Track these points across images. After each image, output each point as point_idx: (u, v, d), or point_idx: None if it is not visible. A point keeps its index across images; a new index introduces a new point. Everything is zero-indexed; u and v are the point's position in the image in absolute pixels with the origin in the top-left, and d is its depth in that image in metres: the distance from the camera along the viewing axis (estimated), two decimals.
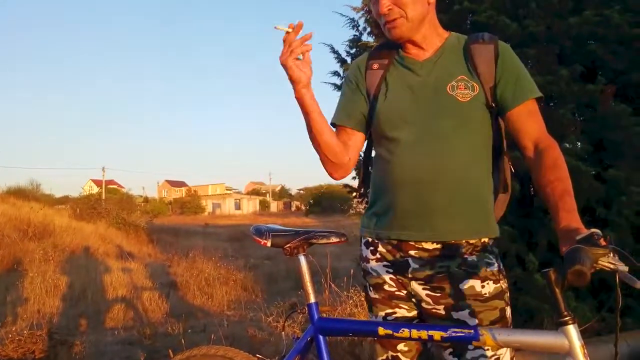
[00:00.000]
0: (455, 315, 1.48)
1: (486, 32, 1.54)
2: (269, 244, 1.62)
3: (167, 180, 75.09)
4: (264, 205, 61.07)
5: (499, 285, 1.50)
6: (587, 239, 1.11)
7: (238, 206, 58.35)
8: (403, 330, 1.35)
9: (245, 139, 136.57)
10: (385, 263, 1.58)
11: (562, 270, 1.06)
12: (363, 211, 6.58)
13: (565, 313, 1.17)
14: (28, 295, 6.12)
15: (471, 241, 1.50)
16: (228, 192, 67.84)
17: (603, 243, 1.10)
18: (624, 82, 5.21)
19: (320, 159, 1.58)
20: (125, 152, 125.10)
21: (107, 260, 9.25)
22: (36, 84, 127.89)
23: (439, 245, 1.50)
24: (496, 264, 1.51)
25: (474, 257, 1.49)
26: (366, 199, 5.89)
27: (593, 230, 1.12)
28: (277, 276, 9.34)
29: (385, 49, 1.63)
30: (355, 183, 7.00)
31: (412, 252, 1.52)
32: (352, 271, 5.39)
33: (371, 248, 1.62)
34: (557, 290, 1.14)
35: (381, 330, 1.38)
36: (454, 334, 1.29)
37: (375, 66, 1.60)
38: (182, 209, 45.83)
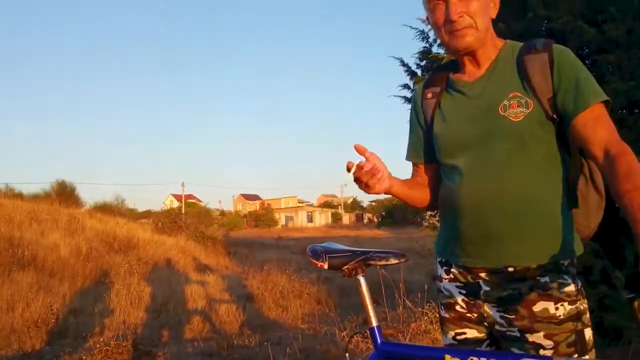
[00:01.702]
0: (530, 338, 1.43)
1: (541, 39, 1.46)
2: (325, 266, 1.60)
3: (242, 194, 77.10)
4: (336, 217, 61.28)
5: (574, 306, 1.42)
6: None
7: (310, 219, 58.90)
8: (472, 359, 1.29)
9: (318, 150, 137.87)
10: (457, 284, 1.57)
11: None
12: (437, 223, 6.48)
13: None
14: (114, 306, 6.46)
15: (542, 263, 1.43)
16: (300, 205, 68.68)
17: None
18: None
19: (413, 205, 1.67)
20: (202, 167, 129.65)
21: (187, 272, 9.60)
22: (118, 101, 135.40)
23: (510, 269, 1.45)
24: (572, 284, 1.44)
25: (546, 278, 1.43)
26: (438, 213, 5.77)
27: None
28: (350, 290, 9.32)
29: (437, 75, 1.62)
30: None
31: (482, 275, 1.50)
32: (426, 286, 5.31)
33: (445, 268, 1.61)
34: None
35: (448, 358, 1.33)
36: None
37: (429, 95, 1.61)
38: (257, 222, 46.84)
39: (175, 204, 45.41)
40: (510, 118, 1.42)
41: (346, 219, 62.26)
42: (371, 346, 1.54)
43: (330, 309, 7.35)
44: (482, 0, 1.45)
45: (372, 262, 1.56)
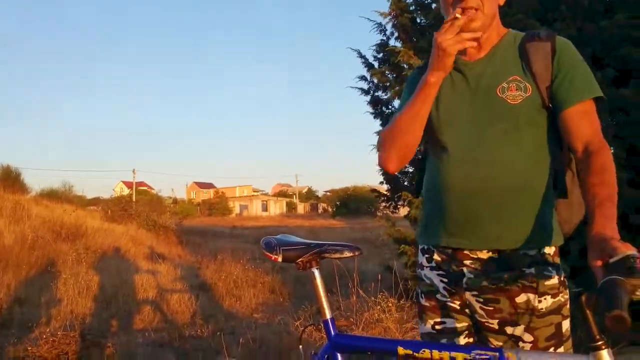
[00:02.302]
0: (509, 330, 1.43)
1: (544, 30, 1.47)
2: (279, 259, 1.58)
3: (195, 182, 75.98)
4: (291, 207, 61.26)
5: (557, 299, 1.44)
6: (620, 263, 1.00)
7: (265, 208, 58.67)
8: (424, 351, 1.30)
9: (272, 141, 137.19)
10: (440, 272, 1.55)
11: (599, 311, 0.96)
12: (390, 214, 6.51)
13: (598, 337, 1.10)
14: (61, 296, 6.27)
15: (529, 253, 1.43)
16: (255, 193, 68.30)
17: None
18: None
19: (392, 149, 1.53)
20: (154, 154, 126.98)
21: (137, 261, 9.40)
22: (67, 87, 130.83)
23: (494, 255, 1.45)
24: (556, 277, 1.44)
25: (532, 270, 1.42)
26: (394, 204, 5.85)
27: (628, 252, 1.01)
28: (305, 279, 9.33)
29: None
30: (383, 188, 7.00)
31: (467, 262, 1.48)
32: (379, 275, 5.38)
33: (427, 255, 1.60)
34: (589, 313, 1.06)
35: (401, 350, 1.33)
36: (478, 356, 1.24)
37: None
38: (210, 210, 46.30)
39: (126, 191, 44.36)
40: (508, 100, 1.42)
41: (301, 208, 62.34)
42: (325, 337, 1.54)
43: (285, 298, 7.36)
44: None
45: (327, 255, 1.56)
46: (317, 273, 1.57)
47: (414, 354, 1.31)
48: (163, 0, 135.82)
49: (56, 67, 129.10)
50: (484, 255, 1.46)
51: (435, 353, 1.29)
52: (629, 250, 1.03)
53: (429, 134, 1.55)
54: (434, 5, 6.20)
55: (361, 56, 6.55)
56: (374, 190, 6.92)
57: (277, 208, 58.90)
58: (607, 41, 4.97)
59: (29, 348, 3.95)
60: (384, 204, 6.71)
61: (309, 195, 71.53)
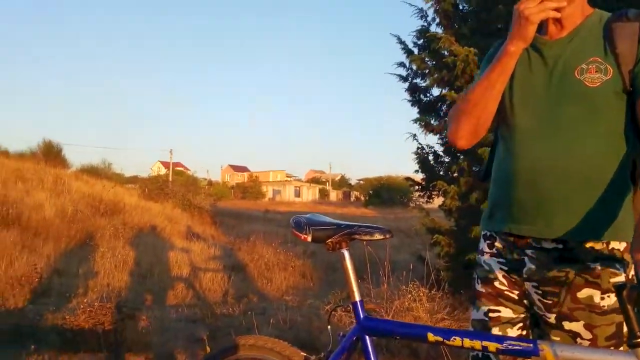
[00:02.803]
0: (567, 325, 1.37)
1: (633, 9, 1.38)
2: (309, 239, 1.56)
3: (230, 165, 76.84)
4: (324, 193, 61.36)
5: None
6: None
7: (298, 194, 58.94)
8: (455, 339, 1.26)
9: (307, 126, 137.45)
10: (500, 260, 1.50)
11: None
12: (423, 205, 6.47)
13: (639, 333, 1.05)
14: (99, 269, 6.45)
15: (596, 247, 1.35)
16: (288, 179, 68.64)
17: None
18: None
19: (466, 122, 1.48)
20: (191, 136, 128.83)
21: (172, 239, 9.59)
22: (109, 68, 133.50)
23: (559, 246, 1.38)
24: (623, 274, 1.34)
25: (597, 265, 1.34)
26: (428, 193, 5.77)
27: None
28: (337, 265, 9.35)
29: None
30: (417, 177, 6.94)
31: (529, 252, 1.43)
32: (411, 265, 5.35)
33: (488, 242, 1.54)
34: (630, 308, 1.02)
35: (430, 337, 1.30)
36: (510, 347, 1.20)
37: None
38: (244, 193, 46.76)
39: (163, 171, 45.17)
40: (586, 83, 1.35)
41: (333, 196, 62.36)
42: (354, 320, 1.53)
43: (315, 282, 7.41)
44: None
45: (357, 236, 1.53)
46: (347, 254, 1.54)
47: (445, 340, 1.28)
48: None
49: (99, 43, 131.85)
50: (549, 245, 1.40)
51: (467, 341, 1.25)
52: None
53: (501, 114, 1.49)
54: None
55: (401, 42, 6.45)
56: (408, 179, 6.84)
57: (309, 194, 59.11)
58: None
59: (67, 317, 4.07)
60: (418, 193, 6.64)
61: (342, 183, 71.46)
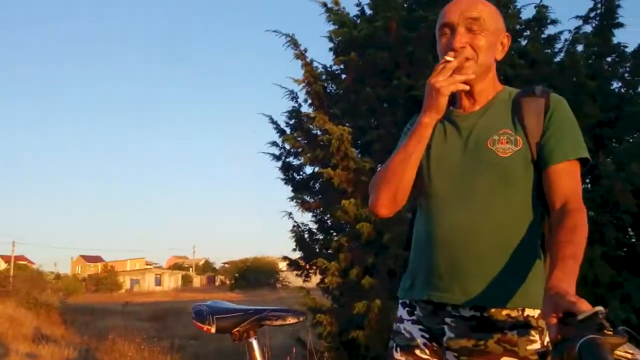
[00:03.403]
0: None
1: (540, 86, 1.50)
2: (213, 330, 1.44)
3: (81, 256, 70.95)
4: (187, 280, 58.77)
5: None
6: (590, 320, 0.96)
7: (159, 282, 55.74)
8: None
9: (168, 211, 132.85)
10: (421, 327, 1.49)
11: None
12: (289, 284, 6.40)
13: None
14: None
15: (512, 314, 1.38)
16: (148, 267, 64.94)
17: (607, 324, 0.95)
18: None
19: (384, 192, 1.51)
20: (36, 225, 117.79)
21: (16, 345, 8.33)
22: None
23: (477, 314, 1.40)
24: (539, 342, 1.38)
25: (514, 333, 1.37)
26: (306, 272, 5.65)
27: (597, 308, 0.98)
28: (206, 358, 8.76)
29: None
30: (294, 255, 6.82)
31: (448, 320, 1.43)
32: (294, 349, 5.09)
33: (408, 309, 1.54)
34: None
35: None
36: None
37: None
38: (98, 286, 43.12)
39: (3, 265, 40.37)
40: (498, 153, 1.42)
41: (197, 281, 59.96)
42: None
43: None
44: (490, 38, 1.46)
45: (267, 322, 1.43)
46: (255, 344, 1.44)
47: None
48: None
49: None
50: (467, 313, 1.41)
51: None
52: (584, 306, 1.00)
53: (419, 183, 1.53)
54: (343, 76, 6.38)
55: (273, 122, 6.53)
56: (285, 258, 6.71)
57: (172, 282, 56.20)
58: None
59: None
60: (295, 272, 6.50)
61: (207, 268, 69.17)
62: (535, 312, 1.41)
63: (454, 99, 1.55)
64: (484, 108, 1.50)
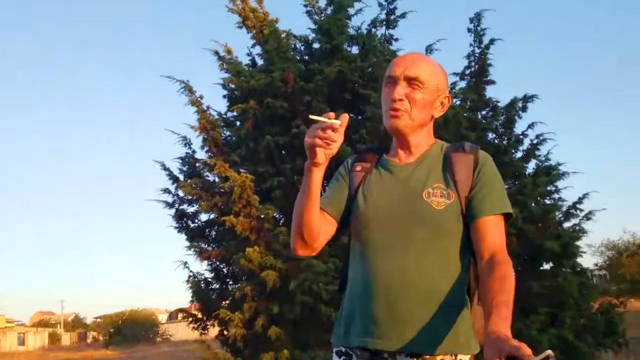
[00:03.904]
0: None
1: (468, 142, 1.59)
2: None
3: None
4: (55, 338, 53.63)
5: None
6: None
7: (22, 341, 50.32)
8: None
9: (31, 260, 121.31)
10: None
11: None
12: (170, 338, 6.12)
13: None
14: None
15: (440, 353, 1.44)
16: (9, 325, 58.45)
17: None
18: None
19: (293, 235, 1.56)
20: None
21: None
22: None
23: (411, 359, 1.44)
24: None
25: None
26: (202, 324, 5.42)
27: (548, 352, 1.04)
28: None
29: (368, 154, 1.67)
30: (190, 307, 6.54)
31: None
32: None
33: (344, 357, 1.54)
34: None
35: None
36: None
37: (359, 168, 1.63)
38: None
39: None
40: (433, 205, 1.48)
41: (67, 339, 54.93)
42: None
43: None
44: (429, 96, 1.53)
45: None
46: None
47: None
48: None
49: None
50: (403, 359, 1.45)
51: None
52: (527, 350, 1.06)
53: (356, 229, 1.57)
54: (238, 123, 6.40)
55: (165, 168, 6.34)
56: (182, 310, 6.42)
57: (37, 340, 50.97)
58: None
59: None
60: (192, 325, 6.22)
61: (77, 324, 63.64)
62: (467, 357, 1.48)
63: (388, 148, 1.63)
64: (418, 160, 1.57)
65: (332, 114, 1.41)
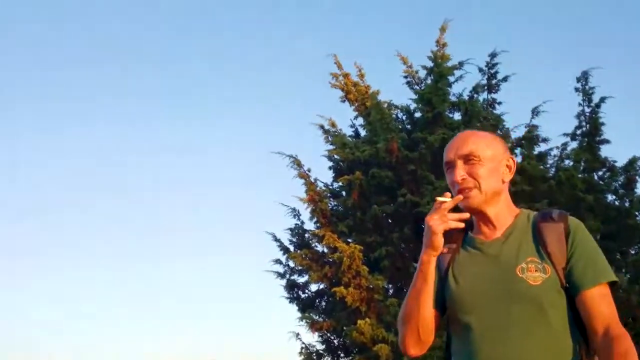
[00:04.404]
0: None
1: (557, 209, 1.52)
2: None
3: None
4: None
5: None
6: None
7: None
8: None
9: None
10: None
11: None
12: None
13: None
14: None
15: None
16: None
17: None
18: None
19: (407, 332, 1.50)
20: None
21: None
22: None
23: None
24: None
25: None
26: None
27: None
28: None
29: (454, 233, 1.60)
30: None
31: None
32: None
33: None
34: None
35: None
36: None
37: (445, 250, 1.57)
38: None
39: None
40: (529, 281, 1.41)
41: None
42: None
43: None
44: (489, 165, 1.51)
45: None
46: None
47: None
48: None
49: None
50: None
51: None
52: None
53: (453, 313, 1.51)
54: (344, 193, 6.54)
55: (276, 239, 6.56)
56: None
57: None
58: None
59: None
60: None
61: None
62: None
63: (472, 225, 1.57)
64: (505, 234, 1.51)
65: (448, 194, 1.44)
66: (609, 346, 1.33)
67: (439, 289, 1.55)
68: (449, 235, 1.57)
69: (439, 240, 1.43)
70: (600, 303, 1.40)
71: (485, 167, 1.50)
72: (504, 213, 1.53)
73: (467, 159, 1.50)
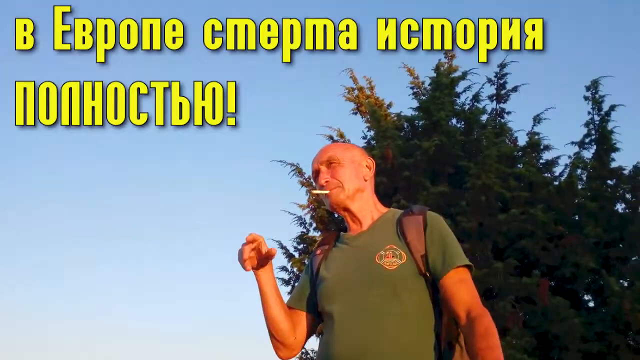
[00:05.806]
0: None
1: (418, 205, 1.65)
2: None
3: None
4: None
5: None
6: None
7: None
8: None
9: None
10: None
11: None
12: None
13: None
14: None
15: None
16: None
17: None
18: (559, 276, 5.40)
19: (269, 338, 1.64)
20: None
21: None
22: None
23: None
24: None
25: None
26: None
27: None
28: None
29: (328, 237, 1.76)
30: None
31: None
32: None
33: None
34: None
35: None
36: None
37: (319, 252, 1.72)
38: None
39: None
40: (385, 266, 1.50)
41: None
42: None
43: None
44: (350, 165, 1.67)
45: None
46: None
47: None
48: None
49: None
50: None
51: None
52: None
53: (321, 306, 1.61)
54: None
55: (282, 247, 6.70)
56: None
57: None
58: (506, 234, 5.36)
59: None
60: None
61: None
62: None
63: (343, 225, 1.70)
64: (371, 227, 1.63)
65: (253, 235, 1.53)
66: (471, 327, 1.41)
67: (311, 292, 1.67)
68: (323, 239, 1.77)
69: (243, 265, 1.54)
70: (460, 287, 1.48)
71: (346, 168, 1.66)
72: (368, 208, 1.66)
73: (329, 163, 1.66)
